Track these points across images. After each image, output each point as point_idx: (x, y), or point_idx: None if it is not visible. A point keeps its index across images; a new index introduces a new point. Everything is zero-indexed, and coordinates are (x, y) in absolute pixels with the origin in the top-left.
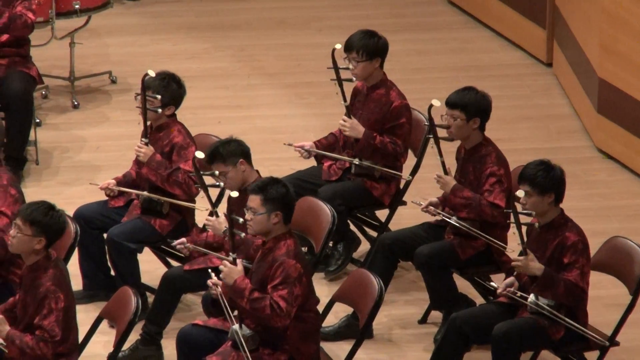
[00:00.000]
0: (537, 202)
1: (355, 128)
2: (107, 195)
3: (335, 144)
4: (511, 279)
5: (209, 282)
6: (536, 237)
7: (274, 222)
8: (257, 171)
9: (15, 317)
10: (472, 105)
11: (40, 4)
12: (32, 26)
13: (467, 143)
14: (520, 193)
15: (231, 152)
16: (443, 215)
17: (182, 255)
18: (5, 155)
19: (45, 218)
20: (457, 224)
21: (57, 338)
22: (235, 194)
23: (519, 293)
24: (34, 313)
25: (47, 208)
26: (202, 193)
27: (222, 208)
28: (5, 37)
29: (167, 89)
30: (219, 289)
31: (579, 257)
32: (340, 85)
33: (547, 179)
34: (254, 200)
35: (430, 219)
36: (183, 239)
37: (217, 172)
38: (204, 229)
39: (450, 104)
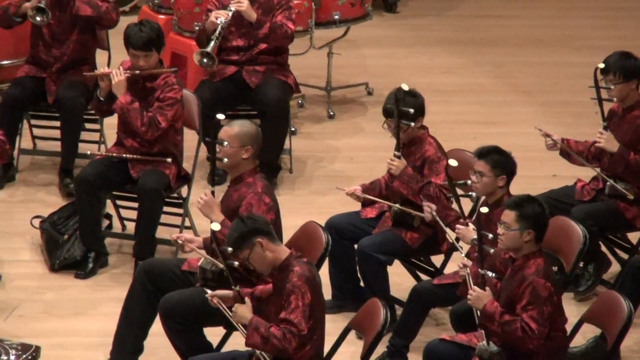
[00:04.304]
0: None
1: (611, 141)
2: (361, 203)
3: (581, 153)
4: None
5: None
6: None
7: (525, 240)
8: (509, 193)
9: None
10: None
11: (300, 13)
12: (292, 36)
13: None
14: None
15: (501, 162)
16: None
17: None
18: (259, 162)
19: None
20: None
21: (304, 332)
22: (485, 209)
23: None
24: (280, 310)
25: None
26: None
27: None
28: (263, 44)
29: (406, 104)
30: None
31: None
32: (600, 105)
33: None
34: (509, 216)
35: None
36: None
37: (475, 171)
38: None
39: None
